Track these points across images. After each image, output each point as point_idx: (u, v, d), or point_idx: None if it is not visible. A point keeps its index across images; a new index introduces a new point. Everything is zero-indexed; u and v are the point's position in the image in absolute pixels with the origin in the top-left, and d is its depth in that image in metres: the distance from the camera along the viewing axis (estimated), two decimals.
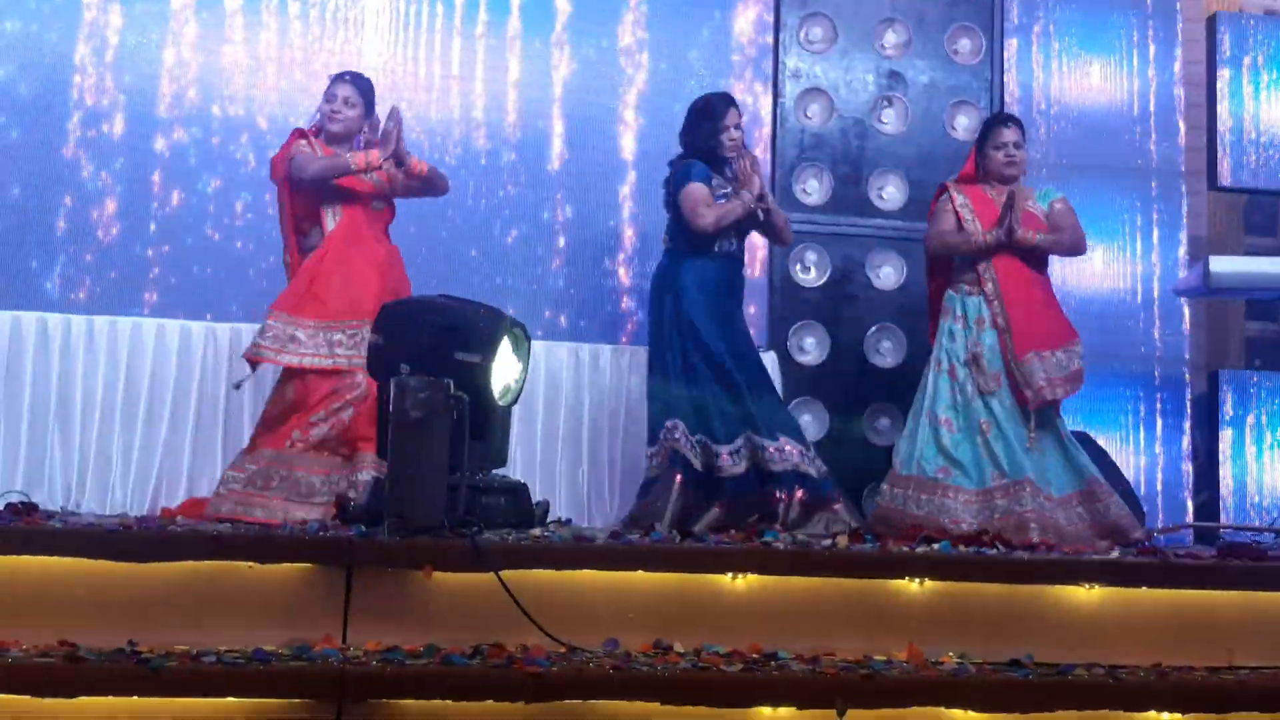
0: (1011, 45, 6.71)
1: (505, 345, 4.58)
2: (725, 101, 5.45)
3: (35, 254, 5.80)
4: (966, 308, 5.40)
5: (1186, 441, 6.60)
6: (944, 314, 5.45)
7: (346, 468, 4.98)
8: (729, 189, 5.33)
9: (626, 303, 6.31)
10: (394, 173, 5.22)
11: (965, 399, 5.33)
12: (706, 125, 5.38)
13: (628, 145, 6.35)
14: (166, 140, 5.97)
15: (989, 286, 5.35)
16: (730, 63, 6.50)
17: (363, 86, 5.34)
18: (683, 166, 5.35)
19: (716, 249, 5.33)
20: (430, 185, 5.37)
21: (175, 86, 6.00)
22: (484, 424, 4.34)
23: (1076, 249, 5.55)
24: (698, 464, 5.15)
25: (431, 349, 4.35)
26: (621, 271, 6.32)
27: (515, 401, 4.74)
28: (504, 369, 4.58)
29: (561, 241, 6.27)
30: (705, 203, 5.25)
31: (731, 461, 5.17)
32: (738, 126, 5.40)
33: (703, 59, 6.48)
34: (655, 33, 6.44)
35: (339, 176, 5.14)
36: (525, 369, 4.75)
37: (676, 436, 5.19)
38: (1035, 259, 5.45)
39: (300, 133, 5.30)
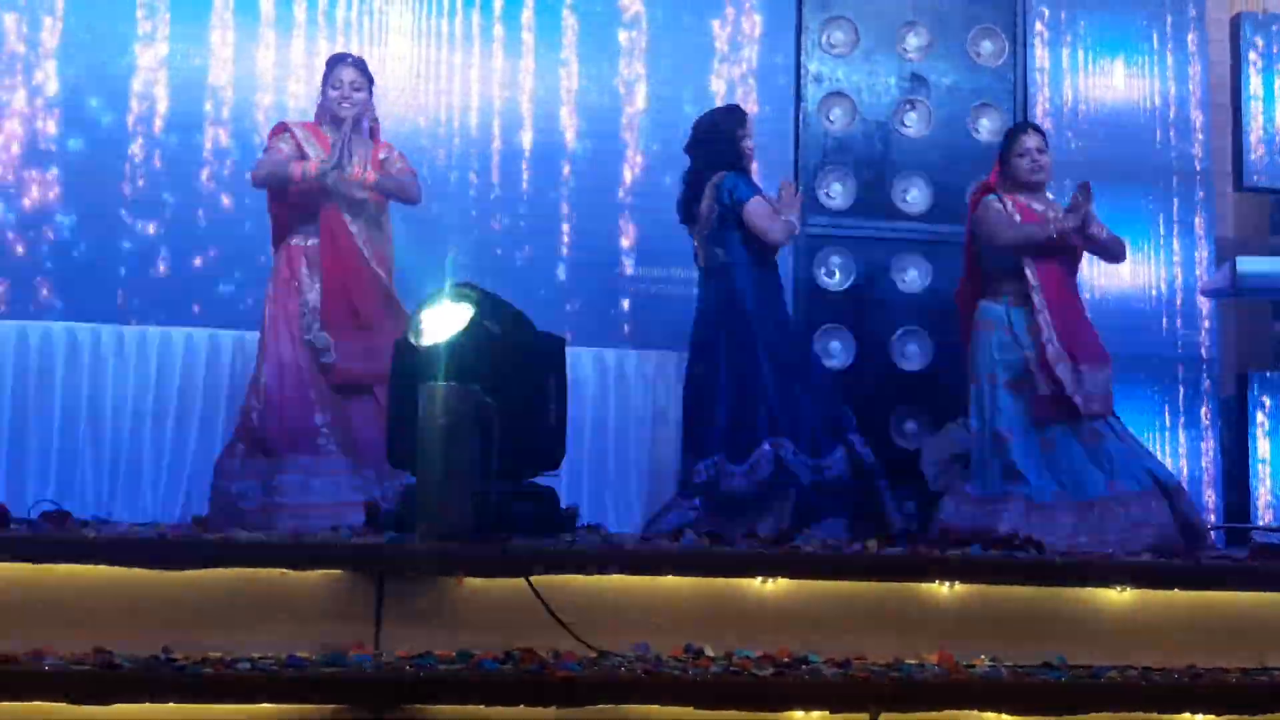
0: (1034, 47, 6.70)
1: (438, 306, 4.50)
2: (740, 114, 5.52)
3: (67, 265, 5.82)
4: (1013, 319, 5.36)
5: (1215, 443, 6.57)
6: (985, 326, 5.41)
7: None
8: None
9: (627, 304, 6.29)
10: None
11: (1028, 411, 5.31)
12: (725, 139, 5.41)
13: (639, 151, 6.33)
14: (193, 151, 6.00)
15: (1036, 298, 5.30)
16: (747, 69, 6.49)
17: (363, 67, 5.31)
18: (731, 180, 5.36)
19: (702, 265, 5.41)
20: (391, 193, 5.30)
21: (203, 98, 6.02)
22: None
23: (1121, 254, 5.53)
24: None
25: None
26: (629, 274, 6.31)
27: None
28: (437, 317, 4.48)
29: (570, 248, 6.27)
30: (772, 216, 5.31)
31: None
32: (751, 137, 5.44)
33: (722, 65, 6.47)
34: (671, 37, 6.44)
35: (278, 185, 5.11)
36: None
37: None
38: (1072, 269, 5.41)
39: (282, 126, 5.28)
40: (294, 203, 5.18)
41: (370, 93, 5.29)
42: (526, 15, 6.33)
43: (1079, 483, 5.20)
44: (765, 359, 5.25)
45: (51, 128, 5.92)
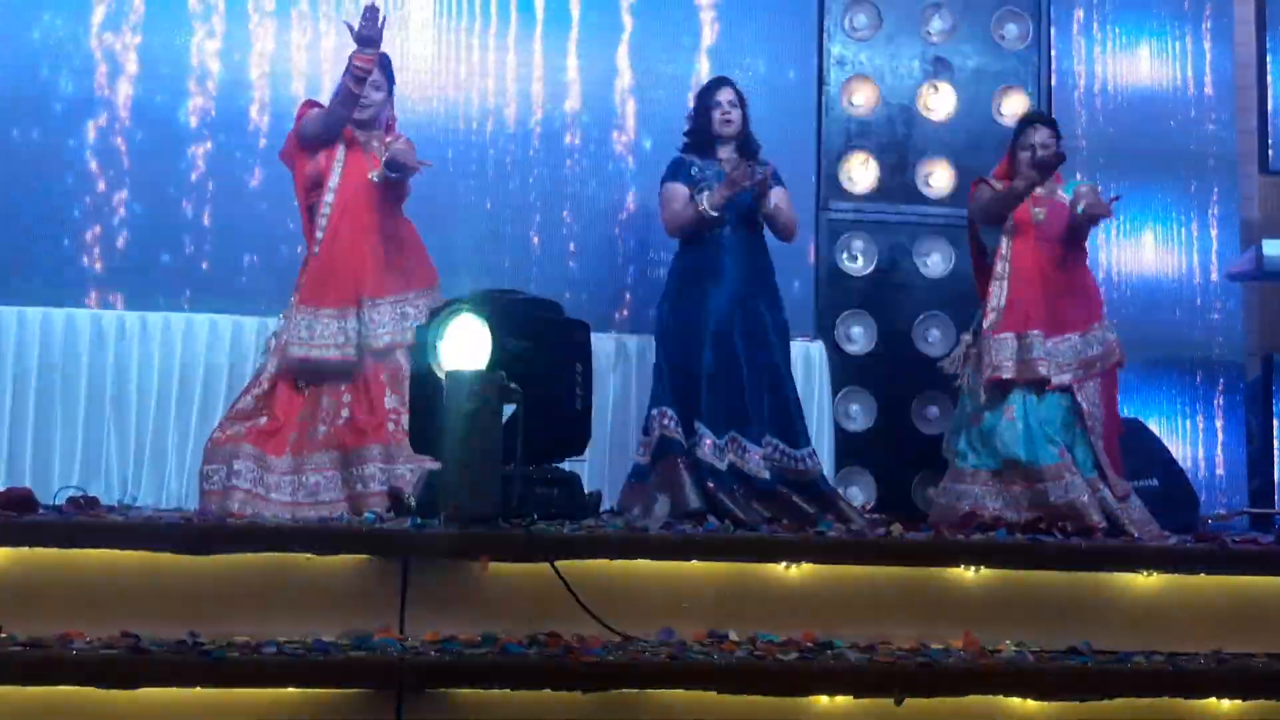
0: (1058, 30, 6.65)
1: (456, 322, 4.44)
2: (717, 82, 5.48)
3: (90, 251, 5.84)
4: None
5: (1240, 427, 6.54)
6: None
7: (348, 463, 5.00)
8: (708, 177, 5.31)
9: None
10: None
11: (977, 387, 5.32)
12: (698, 105, 5.45)
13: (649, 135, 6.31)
14: (215, 139, 6.01)
15: (999, 266, 5.31)
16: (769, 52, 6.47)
17: (385, 64, 5.22)
18: (670, 163, 5.43)
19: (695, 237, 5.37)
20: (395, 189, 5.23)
21: (218, 87, 6.03)
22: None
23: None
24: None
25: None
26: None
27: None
28: (456, 343, 4.41)
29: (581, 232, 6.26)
30: (679, 202, 5.29)
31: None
32: (732, 104, 5.38)
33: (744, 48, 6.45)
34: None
35: (346, 100, 5.02)
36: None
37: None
38: (1066, 244, 5.39)
39: (311, 103, 5.28)
40: (312, 184, 5.16)
41: (390, 93, 5.25)
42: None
43: (1034, 451, 5.19)
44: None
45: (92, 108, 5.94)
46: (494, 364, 4.20)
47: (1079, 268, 5.48)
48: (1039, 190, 5.37)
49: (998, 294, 5.31)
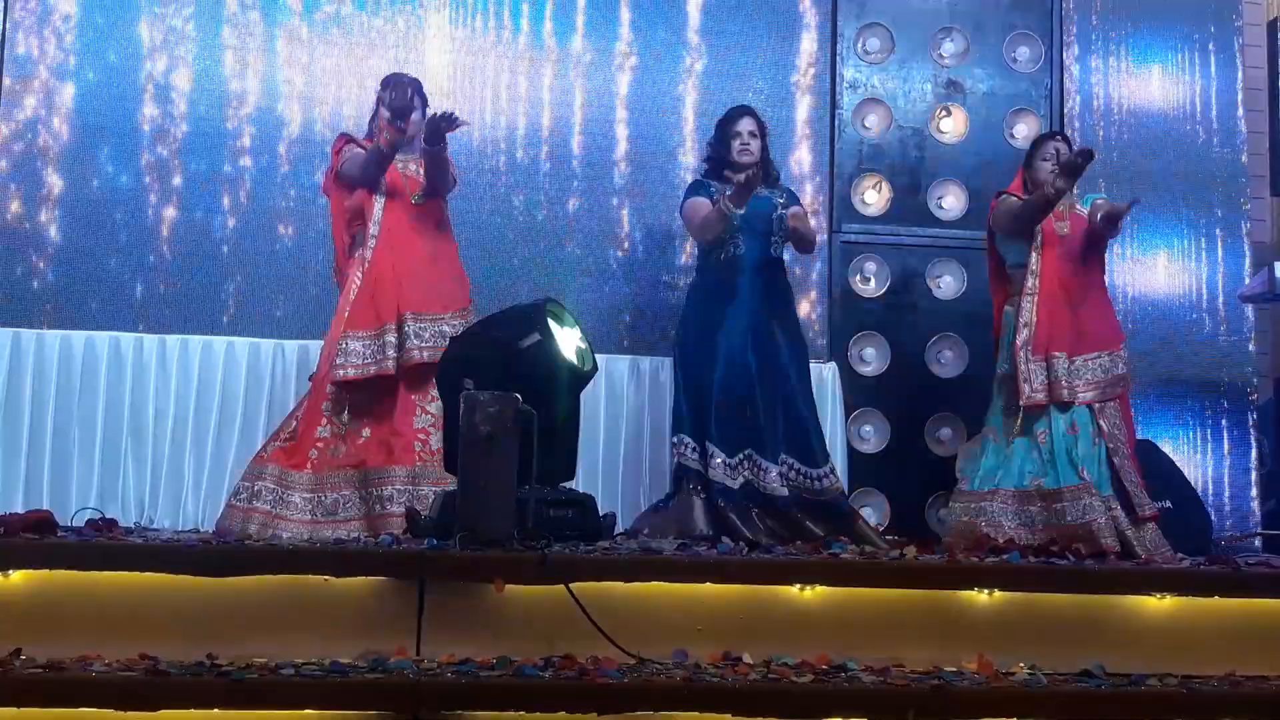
0: (1071, 53, 6.68)
1: (551, 321, 4.70)
2: (738, 111, 5.52)
3: (107, 275, 5.89)
4: (1009, 320, 5.41)
5: (1254, 448, 6.54)
6: (1004, 329, 5.45)
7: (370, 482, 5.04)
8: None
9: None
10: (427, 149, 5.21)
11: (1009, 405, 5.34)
12: (718, 133, 5.50)
13: (687, 159, 6.35)
14: (231, 159, 6.04)
15: (1029, 282, 5.33)
16: (789, 78, 6.50)
17: (419, 88, 5.33)
18: (690, 184, 5.51)
19: (712, 258, 5.40)
20: (439, 168, 5.27)
21: (238, 106, 6.07)
22: (565, 392, 4.49)
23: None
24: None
25: (496, 357, 4.47)
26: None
27: (594, 366, 4.87)
28: (566, 341, 4.71)
29: (619, 252, 6.29)
30: (703, 210, 5.35)
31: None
32: (752, 134, 5.43)
33: (762, 70, 6.48)
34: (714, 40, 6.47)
35: (381, 163, 5.14)
36: (582, 333, 4.87)
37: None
38: (1090, 262, 5.42)
39: (346, 137, 5.34)
40: (351, 215, 5.24)
41: (424, 114, 5.30)
42: (559, 20, 6.34)
43: (1055, 471, 5.20)
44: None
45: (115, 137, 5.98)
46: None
47: (1101, 286, 5.49)
48: (1060, 205, 5.40)
49: (1029, 309, 5.31)
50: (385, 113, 5.22)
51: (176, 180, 5.99)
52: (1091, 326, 5.37)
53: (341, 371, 5.04)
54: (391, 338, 5.05)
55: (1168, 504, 5.60)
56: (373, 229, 5.17)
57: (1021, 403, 5.25)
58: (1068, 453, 5.22)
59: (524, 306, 4.86)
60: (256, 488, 4.95)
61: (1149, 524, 5.21)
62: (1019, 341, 5.29)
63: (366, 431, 5.05)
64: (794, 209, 5.41)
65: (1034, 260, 5.34)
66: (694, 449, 5.26)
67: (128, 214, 5.93)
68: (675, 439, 5.33)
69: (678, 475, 5.30)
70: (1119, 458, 5.28)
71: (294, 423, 5.12)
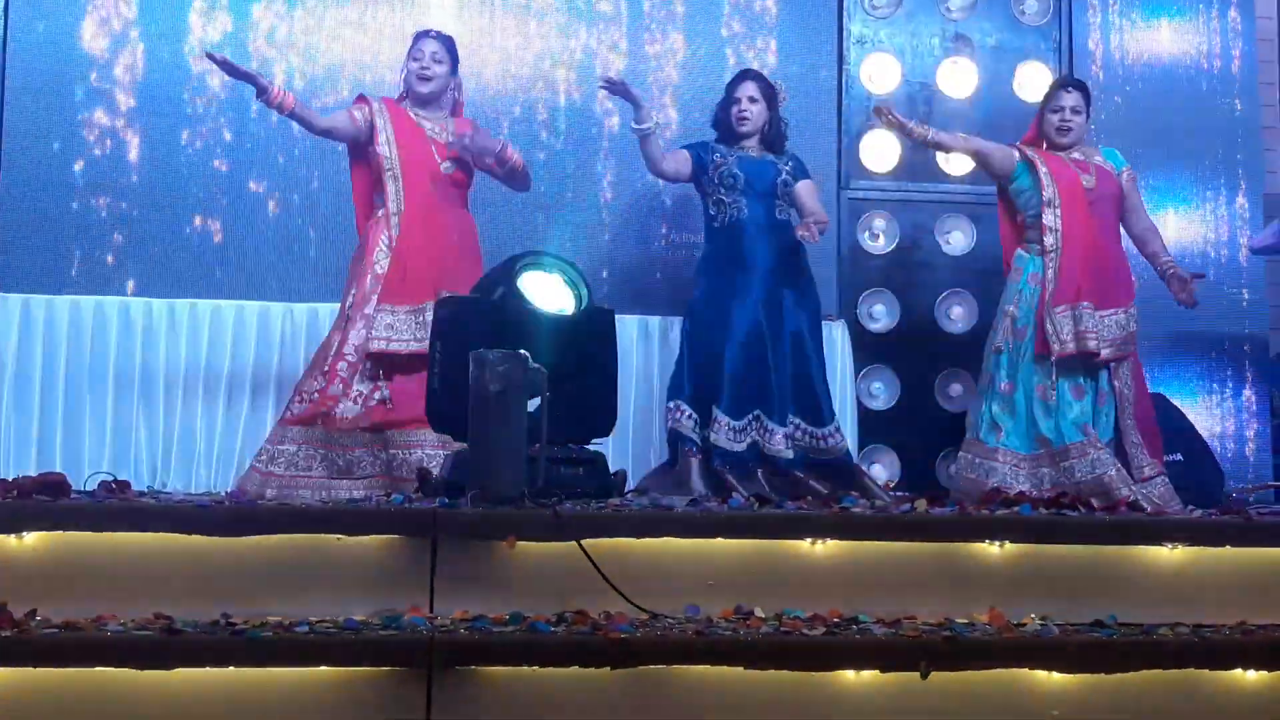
0: (1079, 4, 6.62)
1: (527, 271, 4.64)
2: (740, 76, 5.53)
3: (115, 240, 5.89)
4: (1025, 265, 5.38)
5: (1264, 401, 6.52)
6: (1013, 273, 5.43)
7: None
8: (729, 162, 5.37)
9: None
10: (469, 146, 5.25)
11: (1017, 360, 5.32)
12: (724, 98, 5.52)
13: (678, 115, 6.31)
14: (233, 121, 6.03)
15: (1048, 239, 5.31)
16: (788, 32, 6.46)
17: (447, 42, 5.35)
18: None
19: (716, 223, 5.40)
20: (512, 177, 5.38)
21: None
22: (547, 340, 4.43)
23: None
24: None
25: (469, 311, 4.56)
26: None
27: (588, 301, 4.76)
28: (544, 286, 4.64)
29: (610, 213, 6.27)
30: (669, 156, 5.43)
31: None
32: (752, 99, 5.42)
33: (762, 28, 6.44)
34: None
35: (307, 128, 5.27)
36: (571, 274, 4.75)
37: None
38: (1113, 217, 5.40)
39: (361, 99, 5.33)
40: (376, 175, 5.24)
41: (455, 70, 5.31)
42: None
43: (1059, 429, 5.20)
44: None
45: (123, 103, 5.96)
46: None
47: (1119, 241, 5.48)
48: (1078, 155, 5.37)
49: (1052, 264, 5.29)
50: (410, 64, 5.24)
51: (183, 143, 5.98)
52: (1113, 281, 5.36)
53: (383, 344, 5.06)
54: (428, 316, 5.07)
55: (1179, 457, 5.60)
56: (394, 199, 5.16)
57: (1052, 358, 5.22)
58: (1075, 410, 5.21)
59: (500, 264, 4.80)
60: (274, 451, 5.04)
61: (1156, 480, 5.21)
62: (1045, 296, 5.26)
63: (384, 393, 5.07)
64: (802, 184, 5.42)
65: (1049, 216, 5.31)
66: (691, 416, 5.28)
67: (133, 180, 5.92)
68: (671, 404, 5.36)
69: (672, 440, 5.35)
70: (1125, 417, 5.27)
71: (310, 383, 5.13)
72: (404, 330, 5.10)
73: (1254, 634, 3.93)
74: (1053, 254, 5.30)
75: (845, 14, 6.49)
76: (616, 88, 5.34)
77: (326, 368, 5.13)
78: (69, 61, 5.95)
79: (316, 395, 5.10)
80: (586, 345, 4.67)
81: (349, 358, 5.11)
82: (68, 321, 5.73)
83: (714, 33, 6.39)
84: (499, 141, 5.38)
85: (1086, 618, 3.98)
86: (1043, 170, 5.36)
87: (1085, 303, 5.24)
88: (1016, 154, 5.46)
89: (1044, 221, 5.32)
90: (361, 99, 5.35)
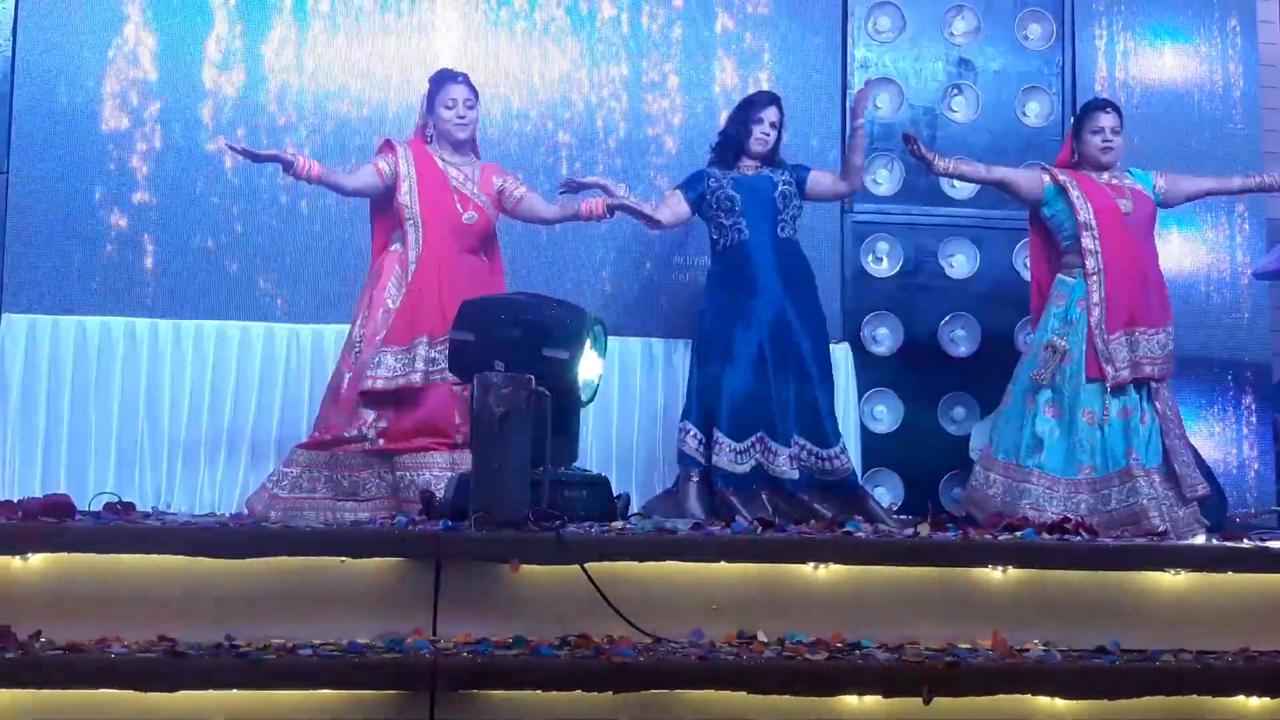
0: (1082, 29, 6.65)
1: (588, 343, 4.63)
2: (765, 98, 5.54)
3: (122, 260, 5.90)
4: (1071, 290, 5.37)
5: (1266, 426, 6.51)
6: (1054, 298, 5.41)
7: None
8: (724, 185, 5.40)
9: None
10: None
11: (1062, 384, 5.30)
12: (740, 115, 5.51)
13: (676, 135, 6.32)
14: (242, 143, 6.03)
15: (1089, 262, 5.30)
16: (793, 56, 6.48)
17: (473, 86, 5.35)
18: (691, 174, 5.55)
19: (719, 245, 5.44)
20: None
21: (249, 95, 6.07)
22: (566, 420, 4.40)
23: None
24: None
25: (517, 345, 4.42)
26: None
27: (594, 398, 4.80)
28: (588, 366, 4.64)
29: (614, 235, 6.27)
30: (665, 205, 5.47)
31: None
32: (774, 125, 5.45)
33: (768, 53, 6.46)
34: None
35: (335, 190, 5.34)
36: (600, 364, 4.81)
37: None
38: (1144, 234, 5.40)
39: (388, 145, 5.34)
40: (396, 217, 5.27)
41: (476, 106, 5.35)
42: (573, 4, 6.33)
43: (1105, 457, 5.20)
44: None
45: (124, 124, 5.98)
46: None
47: (1156, 262, 5.48)
48: (1110, 178, 5.39)
49: (1096, 288, 5.28)
50: (442, 112, 5.26)
51: (195, 164, 6.00)
52: (1155, 302, 5.36)
53: (370, 383, 5.09)
54: (423, 350, 5.08)
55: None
56: (414, 246, 5.20)
57: (1108, 384, 5.21)
58: (1122, 435, 5.21)
59: (574, 311, 4.73)
60: (282, 472, 5.10)
61: (1194, 504, 5.20)
62: (1093, 320, 5.25)
63: (383, 423, 5.09)
64: (814, 172, 5.53)
65: (1087, 239, 5.30)
66: (697, 436, 5.32)
67: (138, 199, 5.93)
68: (681, 424, 5.40)
69: (680, 461, 5.38)
70: (1170, 438, 5.28)
71: (325, 413, 5.21)
72: (395, 367, 5.10)
73: (1256, 660, 3.93)
74: (1095, 277, 5.28)
75: (849, 38, 6.51)
76: (571, 186, 5.38)
77: (341, 397, 5.16)
78: (80, 89, 5.96)
79: (330, 424, 5.15)
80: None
81: (352, 387, 5.15)
82: (74, 341, 5.74)
83: (717, 56, 6.40)
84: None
85: (1089, 644, 3.98)
86: (1075, 193, 5.35)
87: (1139, 328, 5.25)
88: (1045, 177, 5.46)
89: (1082, 245, 5.31)
90: (388, 146, 5.34)
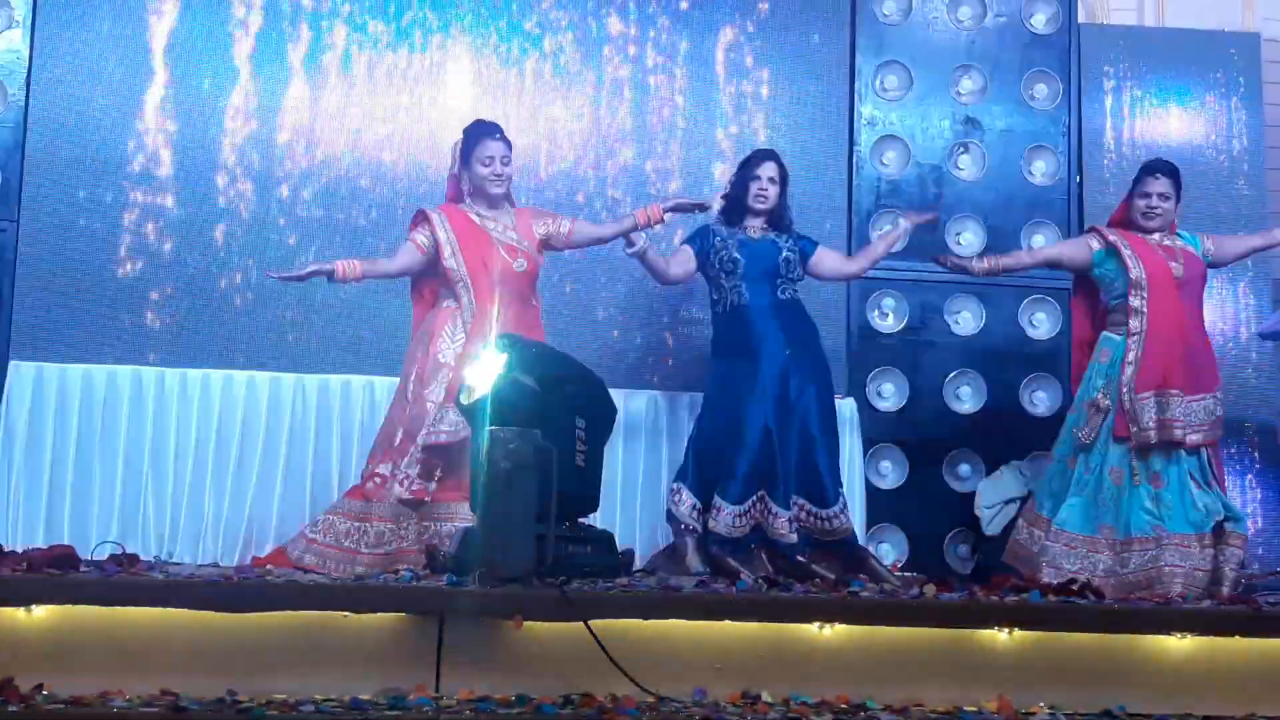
0: (1088, 89, 6.69)
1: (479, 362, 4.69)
2: (761, 155, 5.58)
3: (128, 309, 5.92)
4: (1115, 347, 5.36)
5: (1273, 488, 6.50)
6: (1099, 355, 5.42)
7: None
8: (729, 245, 5.42)
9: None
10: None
11: (1093, 442, 5.29)
12: (739, 173, 5.57)
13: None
14: (251, 194, 6.07)
15: (1134, 322, 5.31)
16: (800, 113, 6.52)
17: (508, 140, 5.37)
18: (698, 228, 5.58)
19: (718, 309, 5.47)
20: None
21: (264, 147, 6.10)
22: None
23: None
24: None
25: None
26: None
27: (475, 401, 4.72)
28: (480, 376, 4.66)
29: (618, 286, 6.29)
30: (675, 260, 5.49)
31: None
32: (772, 180, 5.48)
33: (774, 110, 6.50)
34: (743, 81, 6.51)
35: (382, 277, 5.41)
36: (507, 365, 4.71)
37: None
38: (1192, 296, 5.42)
39: (422, 216, 5.34)
40: (443, 278, 5.30)
41: (509, 153, 5.36)
42: (571, 55, 6.35)
43: (1127, 519, 5.18)
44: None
45: (134, 175, 6.01)
46: (499, 394, 4.43)
47: (1203, 326, 5.50)
48: (1162, 240, 5.41)
49: (1135, 347, 5.28)
50: (479, 169, 5.28)
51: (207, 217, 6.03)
52: (1203, 366, 5.36)
53: (435, 438, 5.09)
54: None
55: None
56: (467, 307, 5.22)
57: (1131, 444, 5.22)
58: (1148, 499, 5.19)
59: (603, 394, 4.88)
60: (322, 519, 5.11)
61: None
62: (1124, 379, 5.26)
63: (415, 469, 5.10)
64: (821, 251, 5.58)
65: (1136, 299, 5.30)
66: (692, 503, 5.30)
67: (146, 249, 5.96)
68: (674, 485, 5.39)
69: (669, 521, 5.39)
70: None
71: (369, 460, 5.24)
72: (458, 421, 5.06)
73: None
74: (1136, 337, 5.28)
75: (857, 96, 6.55)
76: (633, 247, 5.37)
77: (392, 450, 5.17)
78: (92, 139, 5.98)
79: (377, 479, 5.14)
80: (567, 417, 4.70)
81: (409, 440, 5.15)
82: (79, 389, 5.74)
83: (724, 112, 6.44)
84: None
85: (1095, 707, 3.97)
86: (1127, 253, 5.36)
87: (1174, 389, 5.23)
88: (1094, 243, 5.47)
89: (1130, 304, 5.32)
90: (421, 217, 5.35)
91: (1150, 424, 5.21)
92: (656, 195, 6.25)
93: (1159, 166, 5.56)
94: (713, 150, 6.41)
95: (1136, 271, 5.32)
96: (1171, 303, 5.32)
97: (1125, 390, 5.24)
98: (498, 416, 4.34)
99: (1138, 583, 5.05)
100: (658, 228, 5.56)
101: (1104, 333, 5.44)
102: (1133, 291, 5.32)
